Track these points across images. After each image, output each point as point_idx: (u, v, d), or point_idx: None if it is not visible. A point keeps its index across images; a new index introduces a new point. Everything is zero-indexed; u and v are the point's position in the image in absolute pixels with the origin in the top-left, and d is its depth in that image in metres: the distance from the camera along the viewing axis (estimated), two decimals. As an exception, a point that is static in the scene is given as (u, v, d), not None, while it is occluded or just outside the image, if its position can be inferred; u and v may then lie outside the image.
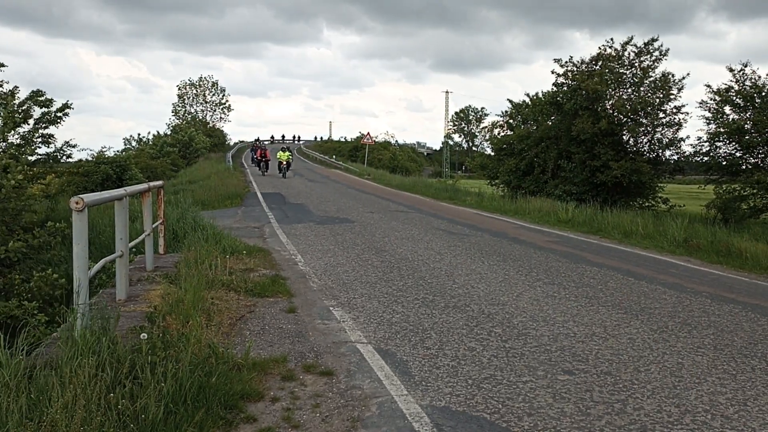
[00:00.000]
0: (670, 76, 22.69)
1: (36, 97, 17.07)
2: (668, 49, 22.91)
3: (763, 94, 19.84)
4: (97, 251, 10.71)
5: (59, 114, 17.53)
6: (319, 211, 19.02)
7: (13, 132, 15.74)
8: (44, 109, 17.35)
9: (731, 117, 20.72)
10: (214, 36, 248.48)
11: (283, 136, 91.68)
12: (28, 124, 16.92)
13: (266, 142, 77.05)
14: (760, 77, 20.34)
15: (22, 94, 17.11)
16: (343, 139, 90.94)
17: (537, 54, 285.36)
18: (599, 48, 24.33)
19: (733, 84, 20.66)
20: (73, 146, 18.84)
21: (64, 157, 19.23)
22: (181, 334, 5.51)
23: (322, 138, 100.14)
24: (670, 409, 4.71)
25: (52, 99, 17.34)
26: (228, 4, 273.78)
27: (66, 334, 4.61)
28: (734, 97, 20.57)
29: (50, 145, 17.63)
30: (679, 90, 22.54)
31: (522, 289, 8.79)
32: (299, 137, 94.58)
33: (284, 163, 36.09)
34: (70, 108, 17.92)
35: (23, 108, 16.60)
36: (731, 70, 20.64)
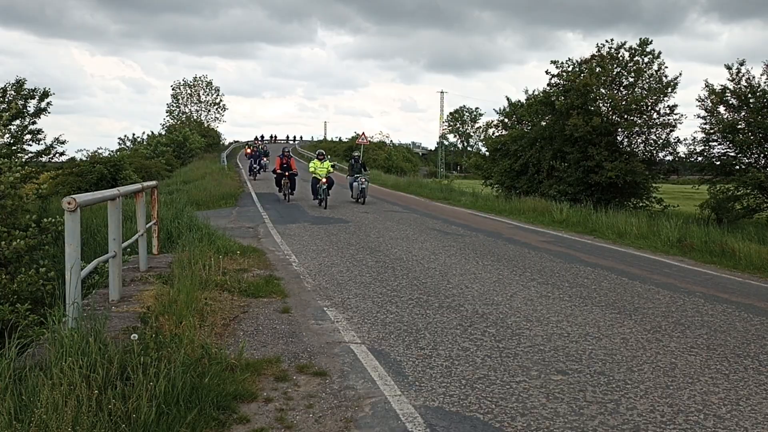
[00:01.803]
0: (664, 67, 22.88)
1: (19, 88, 16.99)
2: (660, 52, 23.08)
3: (758, 94, 19.93)
4: (90, 252, 10.67)
5: (42, 105, 17.45)
6: (314, 211, 19.00)
7: (2, 131, 15.66)
8: (29, 102, 17.27)
9: (725, 116, 20.83)
10: (208, 36, 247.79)
11: (262, 137, 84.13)
12: (19, 119, 16.86)
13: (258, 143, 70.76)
14: (754, 77, 20.44)
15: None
16: (337, 139, 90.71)
17: (530, 54, 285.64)
18: (596, 46, 24.50)
19: (728, 84, 20.76)
20: (63, 142, 18.76)
21: (57, 156, 19.18)
22: (174, 334, 5.49)
23: (295, 137, 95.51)
24: (663, 408, 4.72)
25: (34, 89, 17.26)
26: (222, 4, 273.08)
27: (55, 334, 4.58)
28: (729, 98, 20.66)
29: (40, 142, 17.57)
30: (672, 88, 22.66)
31: (516, 289, 8.80)
32: (275, 136, 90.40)
33: (324, 181, 20.12)
34: (50, 94, 17.81)
35: (12, 105, 16.53)
36: (729, 68, 20.72)
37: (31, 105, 17.60)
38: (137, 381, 4.17)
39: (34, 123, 17.39)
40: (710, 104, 20.96)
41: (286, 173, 22.12)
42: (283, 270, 9.80)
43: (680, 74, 23.22)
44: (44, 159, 18.67)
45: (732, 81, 20.65)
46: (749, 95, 20.06)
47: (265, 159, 38.91)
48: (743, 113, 20.34)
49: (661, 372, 5.52)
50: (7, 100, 16.55)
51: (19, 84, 17.44)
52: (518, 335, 6.54)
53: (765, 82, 20.09)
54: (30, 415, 3.75)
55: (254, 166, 36.48)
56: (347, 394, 4.89)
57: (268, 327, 6.67)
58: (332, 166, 21.18)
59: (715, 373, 5.54)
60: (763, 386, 5.23)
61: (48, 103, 17.81)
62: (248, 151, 46.23)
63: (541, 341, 6.34)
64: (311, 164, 20.90)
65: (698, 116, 21.26)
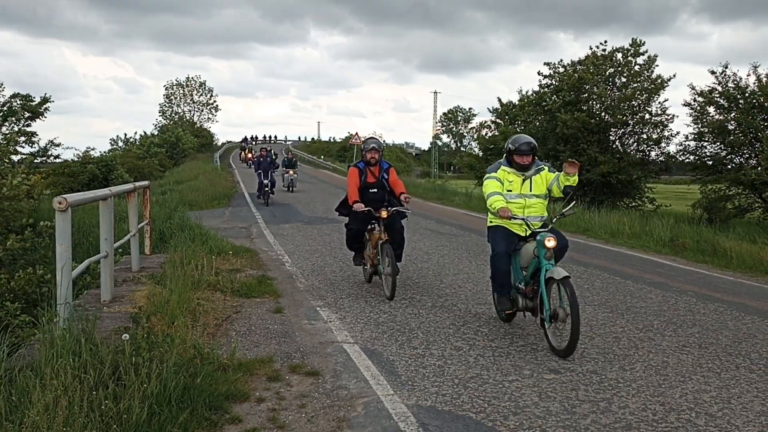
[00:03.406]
0: (654, 65, 23.01)
1: (25, 101, 16.86)
2: (656, 56, 23.20)
3: (746, 95, 20.06)
4: (83, 252, 10.63)
5: (39, 109, 17.28)
6: (307, 212, 18.98)
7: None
8: (25, 103, 17.09)
9: (715, 117, 20.98)
10: (200, 36, 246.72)
11: (246, 138, 74.72)
12: (13, 122, 16.74)
13: (252, 144, 67.10)
14: (741, 78, 20.58)
15: (7, 93, 16.91)
16: (331, 140, 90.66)
17: (522, 55, 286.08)
18: (590, 48, 24.64)
19: (716, 86, 20.91)
20: (57, 145, 18.67)
21: (51, 158, 19.06)
22: (167, 334, 5.48)
23: (271, 137, 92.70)
24: (655, 407, 4.73)
25: (35, 99, 17.07)
26: (214, 4, 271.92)
27: (47, 335, 4.56)
28: (718, 99, 20.80)
29: (34, 144, 17.45)
30: (662, 87, 22.79)
31: (509, 288, 8.79)
32: (255, 136, 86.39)
33: (550, 244, 5.90)
34: (50, 101, 17.66)
35: (6, 107, 16.42)
36: (713, 72, 20.88)
37: (25, 105, 17.46)
38: (129, 381, 4.16)
39: (28, 125, 17.28)
40: (698, 106, 21.14)
41: (383, 211, 8.25)
42: (276, 270, 9.78)
43: (674, 75, 23.42)
44: (38, 160, 18.53)
45: (719, 84, 20.81)
46: (738, 96, 20.20)
47: (290, 173, 26.23)
48: (733, 114, 20.49)
49: (653, 371, 5.54)
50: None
51: (26, 99, 17.29)
52: (511, 334, 6.55)
53: (754, 83, 20.24)
54: (21, 416, 3.73)
55: (265, 183, 21.55)
56: (340, 393, 4.89)
57: (261, 327, 6.66)
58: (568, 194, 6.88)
59: (707, 371, 5.56)
60: (755, 384, 5.25)
61: (46, 108, 17.68)
62: (250, 156, 34.37)
63: (533, 340, 6.35)
64: (490, 182, 6.62)
65: (688, 116, 21.43)
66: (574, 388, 5.08)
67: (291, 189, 26.07)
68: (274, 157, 23.76)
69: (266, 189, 21.38)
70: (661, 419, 4.51)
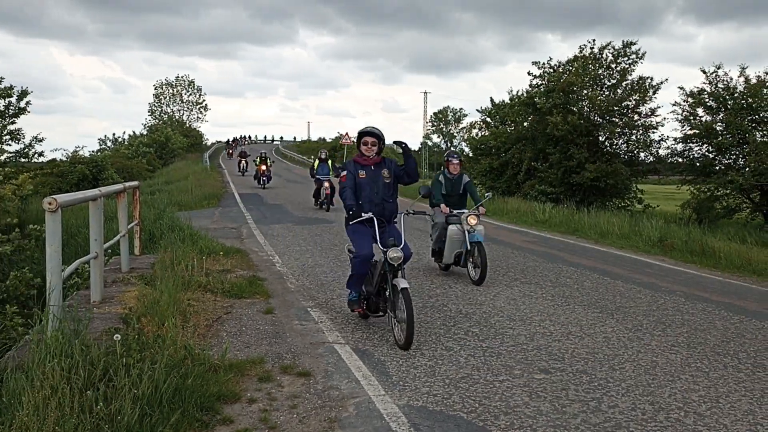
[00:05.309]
0: (648, 80, 23.02)
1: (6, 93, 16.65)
2: (644, 53, 23.30)
3: (735, 95, 20.19)
4: (71, 252, 10.57)
5: (21, 104, 17.07)
6: (298, 212, 18.94)
7: None
8: (6, 101, 16.88)
9: (704, 119, 21.09)
10: (189, 36, 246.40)
11: (242, 138, 75.54)
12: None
13: (246, 143, 66.33)
14: (732, 79, 20.71)
15: None
16: (321, 140, 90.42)
17: (510, 56, 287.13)
18: (579, 47, 24.68)
19: (705, 86, 21.02)
20: (41, 140, 18.49)
21: (36, 156, 18.88)
22: (157, 335, 5.46)
23: (250, 137, 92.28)
24: (645, 406, 4.77)
25: (11, 86, 16.83)
26: (203, 4, 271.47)
27: (37, 336, 4.54)
28: (706, 100, 20.91)
29: (19, 141, 17.28)
30: (654, 91, 22.86)
31: (499, 288, 8.83)
32: (235, 138, 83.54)
33: None
34: (28, 93, 17.45)
35: None
36: (704, 71, 20.98)
37: (8, 103, 17.28)
38: (120, 382, 4.14)
39: (13, 123, 17.09)
40: (688, 108, 21.26)
41: None
42: (267, 270, 9.76)
43: (666, 79, 23.50)
44: (24, 160, 18.35)
45: (709, 84, 20.93)
46: (727, 97, 20.32)
47: (472, 222, 9.01)
48: (721, 115, 20.62)
49: (643, 370, 5.58)
50: None
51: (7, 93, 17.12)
52: (501, 334, 6.57)
53: (742, 85, 20.37)
54: (11, 417, 3.71)
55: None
56: (331, 394, 4.89)
57: (252, 328, 6.65)
58: None
59: (696, 371, 5.61)
60: (743, 383, 5.30)
61: (27, 103, 17.49)
62: (263, 168, 27.04)
63: (524, 340, 6.38)
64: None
65: (677, 120, 21.53)
66: (564, 387, 5.11)
67: (474, 271, 9.28)
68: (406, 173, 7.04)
69: (384, 305, 6.43)
70: (650, 418, 4.54)
